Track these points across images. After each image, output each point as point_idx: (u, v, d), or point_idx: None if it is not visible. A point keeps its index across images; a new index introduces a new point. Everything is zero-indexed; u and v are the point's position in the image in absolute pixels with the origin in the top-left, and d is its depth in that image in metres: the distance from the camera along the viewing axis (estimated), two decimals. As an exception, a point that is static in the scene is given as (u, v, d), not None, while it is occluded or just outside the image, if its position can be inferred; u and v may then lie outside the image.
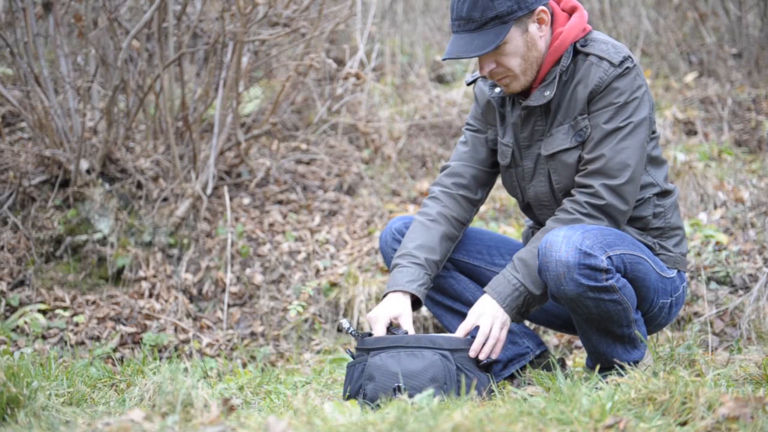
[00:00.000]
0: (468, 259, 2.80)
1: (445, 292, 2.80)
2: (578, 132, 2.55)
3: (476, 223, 4.33)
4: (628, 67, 2.51)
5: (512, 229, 4.27)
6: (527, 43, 2.51)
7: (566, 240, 2.38)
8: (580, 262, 2.37)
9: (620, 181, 2.49)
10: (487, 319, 2.51)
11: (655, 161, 2.65)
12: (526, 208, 2.78)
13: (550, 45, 2.55)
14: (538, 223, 2.79)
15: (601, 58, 2.52)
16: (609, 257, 2.41)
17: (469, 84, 2.80)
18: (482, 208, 4.52)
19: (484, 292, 2.59)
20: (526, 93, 2.63)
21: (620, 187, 2.50)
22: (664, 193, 2.67)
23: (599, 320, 2.47)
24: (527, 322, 2.97)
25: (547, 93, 2.56)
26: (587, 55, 2.54)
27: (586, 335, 2.57)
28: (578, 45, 2.56)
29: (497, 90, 2.69)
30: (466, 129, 2.83)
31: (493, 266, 2.80)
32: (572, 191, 2.56)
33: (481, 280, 2.81)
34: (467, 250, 2.80)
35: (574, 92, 2.55)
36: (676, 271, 2.67)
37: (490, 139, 2.78)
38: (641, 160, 2.53)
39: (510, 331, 2.79)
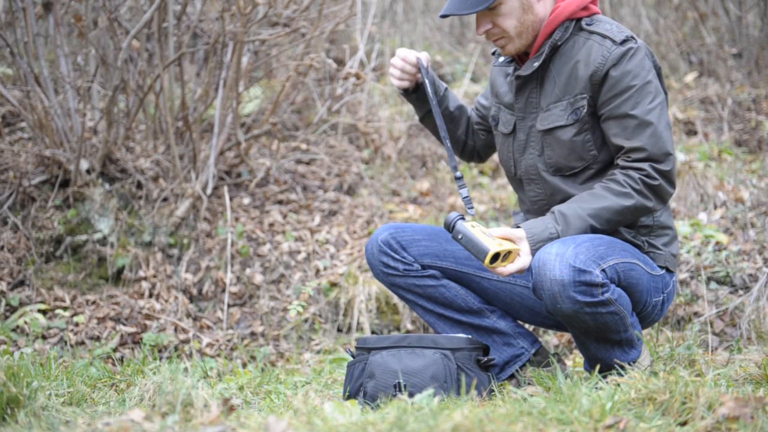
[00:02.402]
0: (457, 266, 2.79)
1: (437, 301, 2.79)
2: (575, 110, 2.56)
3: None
4: (631, 47, 2.51)
5: (512, 229, 4.26)
6: (523, 6, 2.54)
7: (559, 258, 2.37)
8: (574, 280, 2.36)
9: (667, 167, 2.51)
10: (526, 258, 2.48)
11: None
12: (518, 184, 2.77)
13: (549, 16, 2.59)
14: (528, 212, 2.78)
15: (604, 37, 2.54)
16: (603, 270, 2.40)
17: (493, 53, 2.88)
18: (482, 208, 4.53)
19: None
20: (523, 59, 2.70)
21: (668, 172, 2.51)
22: None
23: (597, 331, 2.47)
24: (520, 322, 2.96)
25: (536, 64, 2.58)
26: (591, 33, 2.56)
27: (584, 345, 2.57)
28: (583, 23, 2.58)
29: (501, 59, 2.76)
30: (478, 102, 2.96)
31: (482, 271, 2.79)
32: (622, 170, 2.52)
33: (471, 286, 2.81)
34: (455, 257, 2.79)
35: (574, 70, 2.55)
36: (665, 269, 2.67)
37: (490, 114, 2.85)
38: (672, 144, 2.56)
39: (504, 333, 2.80)
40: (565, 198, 2.62)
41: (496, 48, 2.81)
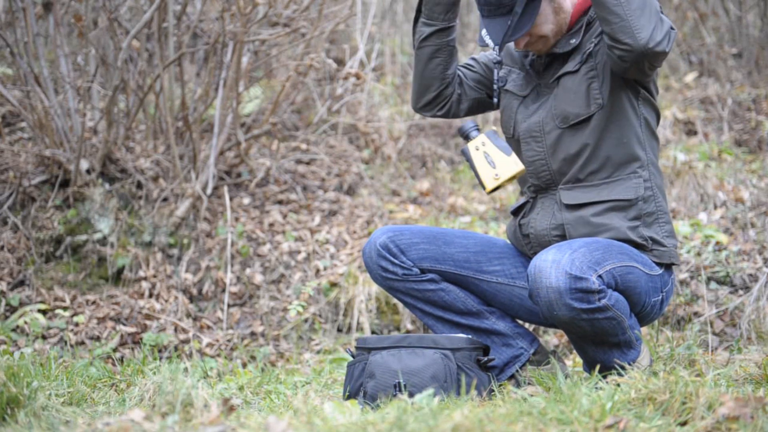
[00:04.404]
0: (455, 269, 2.78)
1: (436, 304, 2.78)
2: (582, 53, 2.60)
3: (475, 224, 4.33)
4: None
5: (512, 229, 4.26)
6: (555, 9, 2.60)
7: (555, 265, 2.37)
8: (571, 287, 2.36)
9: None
10: None
11: (654, 136, 2.68)
12: (515, 145, 2.74)
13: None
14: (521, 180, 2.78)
15: None
16: (599, 276, 2.40)
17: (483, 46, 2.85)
18: (481, 208, 4.52)
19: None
20: None
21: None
22: (655, 170, 2.67)
23: (594, 335, 2.47)
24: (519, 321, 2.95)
25: (573, 41, 2.62)
26: None
27: (581, 348, 2.57)
28: None
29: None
30: (472, 59, 2.89)
31: (480, 274, 2.78)
32: None
33: (470, 288, 2.80)
34: (454, 260, 2.78)
35: (593, 30, 2.61)
36: (663, 267, 2.66)
37: (485, 80, 2.83)
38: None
39: (502, 334, 2.80)
40: (567, 156, 2.62)
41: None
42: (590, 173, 2.62)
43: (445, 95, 2.81)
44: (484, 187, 2.57)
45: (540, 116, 2.66)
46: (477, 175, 2.58)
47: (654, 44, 2.41)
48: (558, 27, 2.62)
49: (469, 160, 2.60)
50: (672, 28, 2.47)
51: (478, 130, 2.59)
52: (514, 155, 2.55)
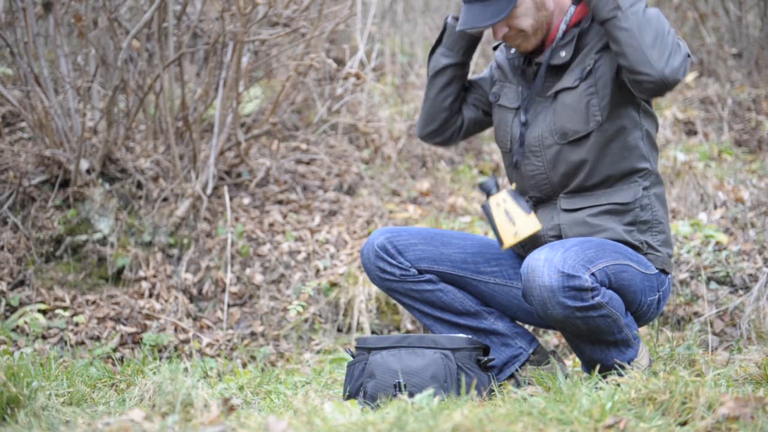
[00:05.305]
0: (453, 270, 2.79)
1: (434, 305, 2.79)
2: (581, 69, 2.59)
3: (475, 224, 4.33)
4: None
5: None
6: (536, 5, 2.59)
7: (547, 263, 2.38)
8: (564, 285, 2.37)
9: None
10: None
11: (655, 146, 2.68)
12: (513, 162, 2.75)
13: (577, 7, 2.63)
14: (523, 191, 2.78)
15: None
16: (592, 274, 2.40)
17: (495, 48, 2.89)
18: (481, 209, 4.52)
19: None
20: (537, 50, 2.69)
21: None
22: (656, 180, 2.67)
23: (590, 334, 2.48)
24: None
25: (563, 54, 2.61)
26: None
27: (578, 348, 2.57)
28: None
29: (512, 50, 2.76)
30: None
31: (478, 274, 2.79)
32: None
33: (468, 289, 2.80)
34: (452, 261, 2.79)
35: (592, 46, 2.60)
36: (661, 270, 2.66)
37: (491, 91, 2.84)
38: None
39: (501, 334, 2.80)
40: (568, 170, 2.62)
41: (499, 42, 2.83)
42: (592, 185, 2.63)
43: (450, 123, 2.90)
44: (501, 243, 2.64)
45: (538, 131, 2.66)
46: (495, 230, 2.65)
47: (671, 71, 2.43)
48: (539, 24, 2.60)
49: (489, 214, 2.66)
50: (688, 56, 2.49)
51: (498, 187, 2.67)
52: (533, 214, 2.62)
